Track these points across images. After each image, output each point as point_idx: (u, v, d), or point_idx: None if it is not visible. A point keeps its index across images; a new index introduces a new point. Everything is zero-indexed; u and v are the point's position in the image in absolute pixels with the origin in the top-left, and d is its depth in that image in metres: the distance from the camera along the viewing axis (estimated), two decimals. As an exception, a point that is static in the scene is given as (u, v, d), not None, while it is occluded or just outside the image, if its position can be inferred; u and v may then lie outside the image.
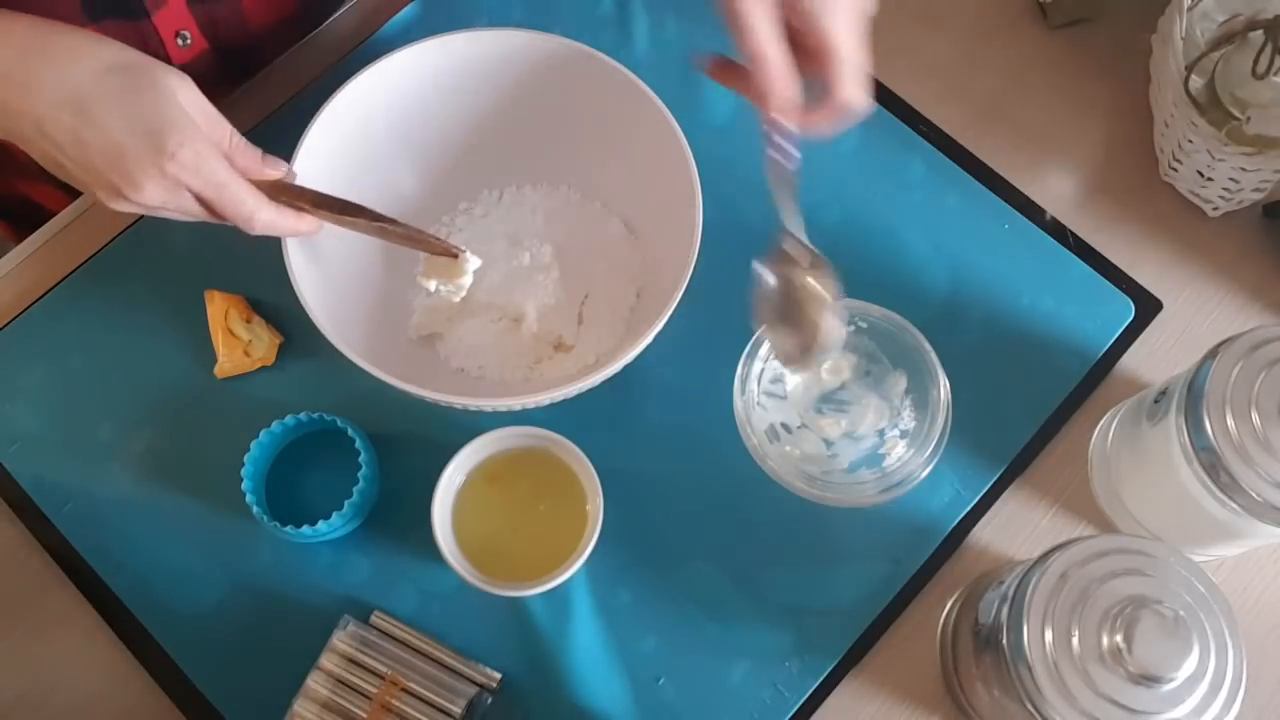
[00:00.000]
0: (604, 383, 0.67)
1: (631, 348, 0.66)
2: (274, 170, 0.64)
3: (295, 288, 0.65)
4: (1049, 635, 0.57)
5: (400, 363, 0.70)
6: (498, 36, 0.72)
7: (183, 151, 0.58)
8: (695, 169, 0.68)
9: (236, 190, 0.61)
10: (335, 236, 0.68)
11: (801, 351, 0.64)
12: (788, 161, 0.59)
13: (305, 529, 0.68)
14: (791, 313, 0.63)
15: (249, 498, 0.69)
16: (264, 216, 0.63)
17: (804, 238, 0.62)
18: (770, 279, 0.63)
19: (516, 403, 0.65)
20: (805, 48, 0.56)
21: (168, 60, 0.74)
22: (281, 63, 0.85)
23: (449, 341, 0.75)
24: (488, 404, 0.66)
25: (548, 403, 0.66)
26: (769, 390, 0.73)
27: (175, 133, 0.58)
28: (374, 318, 0.74)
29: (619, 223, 0.78)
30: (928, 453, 0.70)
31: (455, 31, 0.71)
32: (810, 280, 0.62)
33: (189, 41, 0.77)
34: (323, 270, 0.68)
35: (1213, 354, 0.63)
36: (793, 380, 0.74)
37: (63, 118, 0.57)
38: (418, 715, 0.67)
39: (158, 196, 0.59)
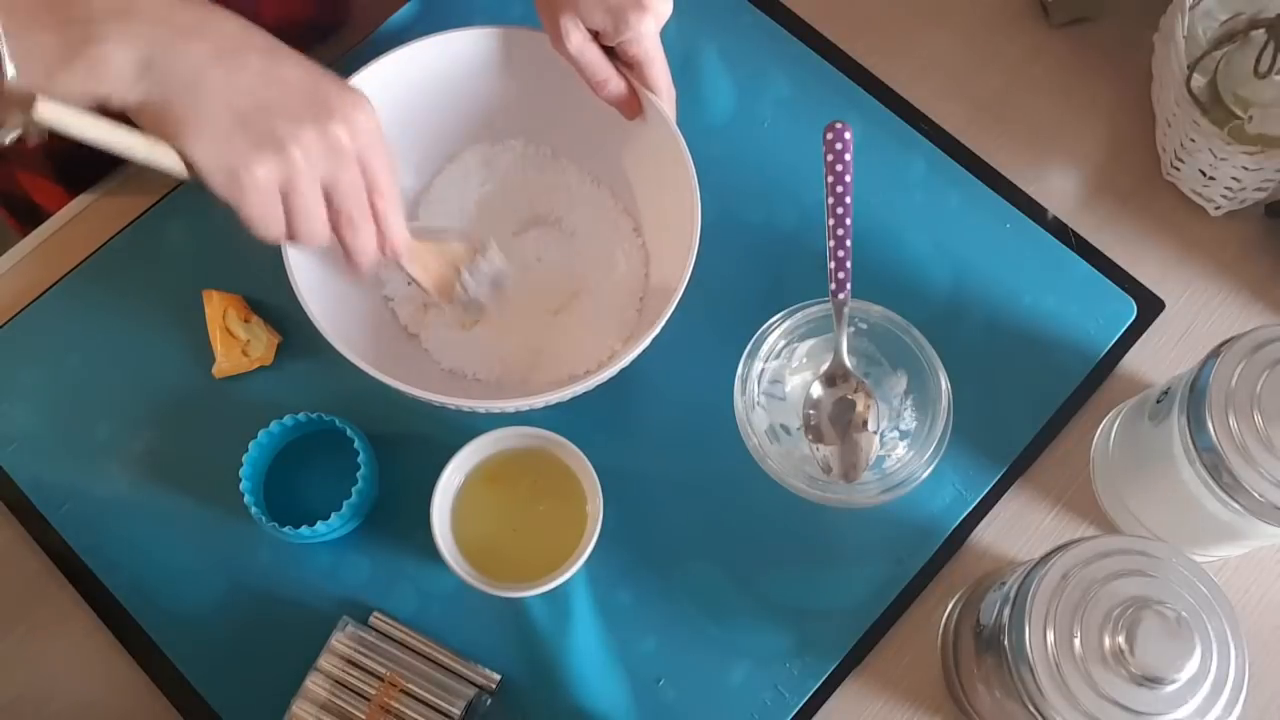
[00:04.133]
0: (604, 383, 0.67)
1: (631, 349, 0.65)
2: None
3: (294, 287, 0.64)
4: (1051, 636, 0.56)
5: (399, 363, 0.70)
6: (496, 35, 0.72)
7: (368, 111, 0.56)
8: (694, 169, 0.68)
9: (395, 188, 0.59)
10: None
11: (847, 469, 0.70)
12: (843, 294, 0.70)
13: (304, 530, 0.68)
14: (842, 432, 0.70)
15: (247, 498, 0.68)
16: (404, 236, 0.61)
17: (847, 360, 0.71)
18: (826, 398, 0.71)
19: (515, 404, 0.65)
20: (624, 61, 0.68)
21: None
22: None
23: (447, 342, 0.75)
24: (485, 405, 0.66)
25: (544, 405, 0.66)
26: (769, 391, 0.73)
27: (364, 99, 0.57)
28: (373, 318, 0.74)
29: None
30: (929, 453, 0.69)
31: (454, 30, 0.71)
32: (860, 405, 0.71)
33: None
34: (322, 270, 0.68)
35: (1215, 354, 0.63)
36: (792, 381, 0.74)
37: (250, 54, 0.55)
38: (416, 717, 0.67)
39: (344, 135, 0.56)
